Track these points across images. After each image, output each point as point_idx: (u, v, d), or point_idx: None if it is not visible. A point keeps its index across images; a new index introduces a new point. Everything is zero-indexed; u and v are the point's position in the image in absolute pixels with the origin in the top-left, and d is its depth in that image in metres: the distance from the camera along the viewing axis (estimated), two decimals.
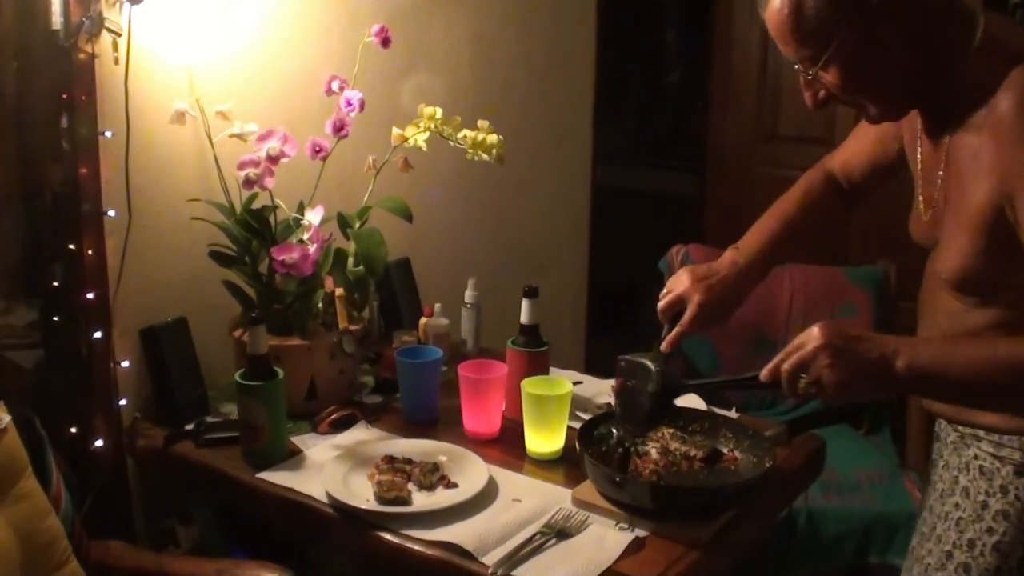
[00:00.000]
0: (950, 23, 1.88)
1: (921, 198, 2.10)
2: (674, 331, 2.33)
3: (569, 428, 2.54)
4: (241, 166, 2.61)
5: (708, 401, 2.74)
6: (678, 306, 2.34)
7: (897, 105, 1.99)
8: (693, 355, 4.00)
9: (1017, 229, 1.80)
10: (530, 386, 2.52)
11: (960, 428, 2.15)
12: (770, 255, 2.41)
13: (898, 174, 2.30)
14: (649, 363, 2.26)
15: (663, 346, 2.32)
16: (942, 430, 2.25)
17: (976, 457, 2.10)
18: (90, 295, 2.62)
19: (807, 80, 1.94)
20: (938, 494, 2.21)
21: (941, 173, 2.01)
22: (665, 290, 2.40)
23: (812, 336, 1.89)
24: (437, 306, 3.16)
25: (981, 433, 2.09)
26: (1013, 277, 1.90)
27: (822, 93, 1.95)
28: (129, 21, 2.60)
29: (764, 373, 1.97)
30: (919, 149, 2.09)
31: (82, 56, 2.53)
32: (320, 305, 2.80)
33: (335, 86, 2.77)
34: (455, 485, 2.35)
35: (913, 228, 2.16)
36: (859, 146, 2.38)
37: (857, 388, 1.87)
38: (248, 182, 2.62)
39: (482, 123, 2.77)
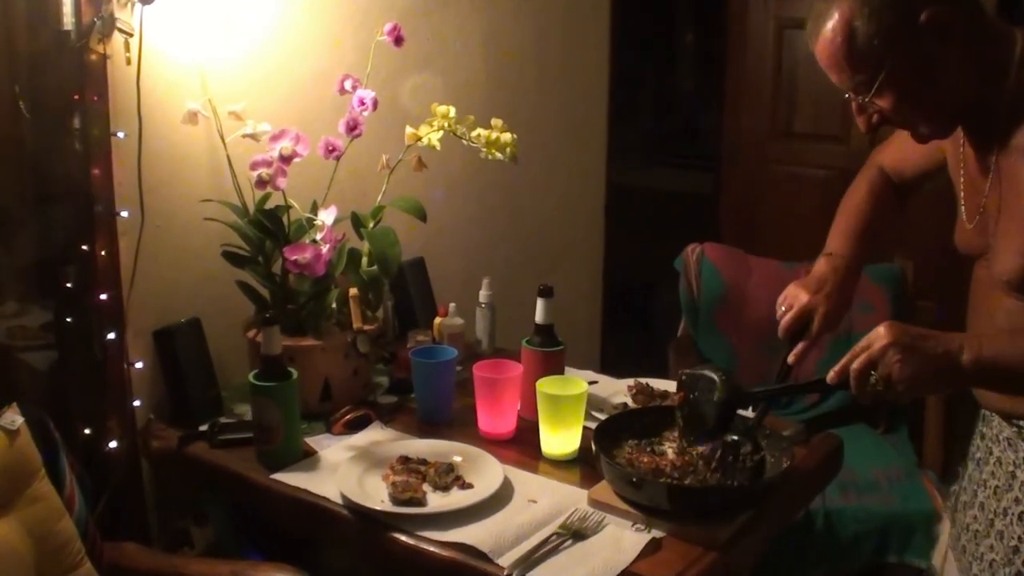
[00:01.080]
0: (991, 40, 1.94)
1: (964, 208, 2.13)
2: (802, 345, 2.39)
3: (585, 428, 2.53)
4: (254, 166, 2.61)
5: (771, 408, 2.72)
6: (804, 320, 2.39)
7: (947, 123, 2.03)
8: (711, 354, 3.98)
9: None
10: (546, 386, 2.51)
11: (1019, 423, 2.13)
12: (861, 251, 2.46)
13: (941, 176, 2.32)
14: (712, 374, 2.24)
15: (790, 359, 2.38)
16: (990, 427, 2.23)
17: (1001, 430, 2.12)
18: (103, 296, 2.62)
19: (859, 105, 1.98)
20: (990, 491, 2.20)
21: (989, 183, 2.04)
22: (783, 307, 2.43)
23: (879, 335, 1.90)
24: (452, 306, 3.15)
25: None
26: None
27: (875, 118, 1.99)
28: (141, 21, 2.59)
29: (831, 375, 1.98)
30: (962, 162, 2.13)
31: (94, 57, 2.52)
32: (334, 305, 2.79)
33: (348, 85, 2.77)
34: (470, 486, 2.34)
35: (958, 238, 2.18)
36: (912, 147, 2.37)
37: (926, 384, 1.90)
38: (261, 182, 2.61)
39: (496, 122, 2.76)
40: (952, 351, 1.85)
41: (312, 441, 2.61)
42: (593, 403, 2.72)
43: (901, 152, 2.46)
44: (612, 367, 3.19)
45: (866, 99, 1.95)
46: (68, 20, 2.49)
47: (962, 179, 2.13)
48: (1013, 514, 2.12)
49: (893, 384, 1.88)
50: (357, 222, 2.84)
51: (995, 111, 1.95)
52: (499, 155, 2.76)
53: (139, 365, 2.72)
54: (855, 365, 1.92)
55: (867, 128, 2.03)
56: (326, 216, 2.63)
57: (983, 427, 2.26)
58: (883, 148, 2.53)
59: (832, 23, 1.90)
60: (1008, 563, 2.12)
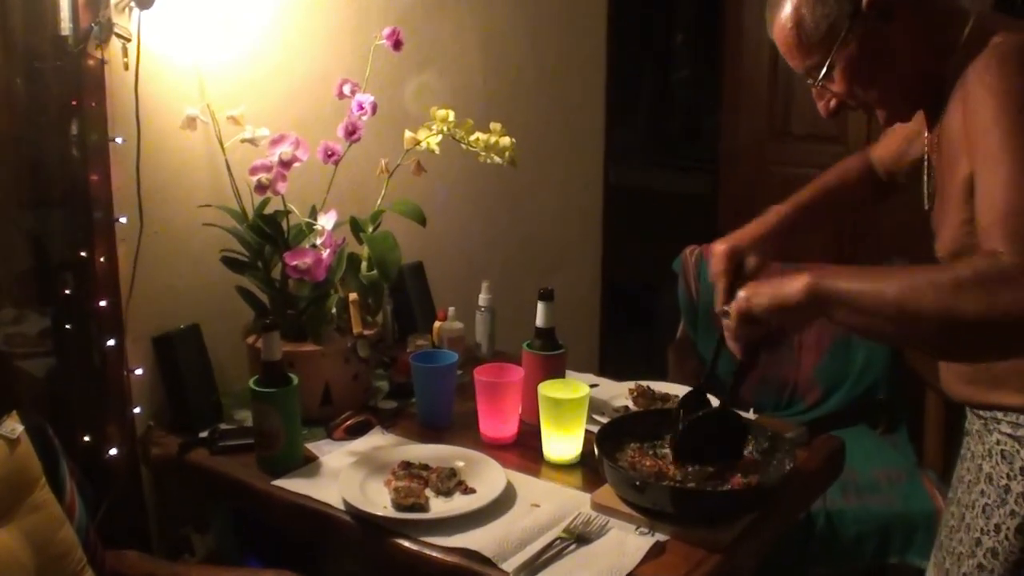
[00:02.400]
0: (941, 20, 1.96)
1: (925, 193, 2.17)
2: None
3: (586, 432, 2.52)
4: (253, 171, 2.60)
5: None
6: (735, 261, 2.40)
7: (902, 105, 2.06)
8: (708, 355, 3.97)
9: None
10: (547, 389, 2.50)
11: (982, 413, 2.15)
12: (796, 214, 2.53)
13: None
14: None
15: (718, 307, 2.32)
16: (969, 422, 2.25)
17: (998, 442, 2.10)
18: (102, 303, 2.61)
19: (818, 90, 2.05)
20: (965, 485, 2.21)
21: (934, 163, 2.09)
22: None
23: None
24: (451, 310, 3.15)
25: (1000, 415, 2.09)
26: None
27: (833, 102, 2.05)
28: (138, 26, 2.58)
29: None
30: (924, 148, 2.16)
31: (91, 62, 2.51)
32: (334, 310, 2.79)
33: (346, 90, 2.76)
34: (473, 491, 2.33)
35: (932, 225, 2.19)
36: (890, 139, 2.44)
37: (764, 301, 1.93)
38: (260, 187, 2.60)
39: (495, 126, 2.76)
40: (797, 274, 1.87)
41: (313, 447, 2.60)
42: (594, 406, 2.72)
43: (884, 140, 2.49)
44: (611, 370, 3.19)
45: (820, 83, 2.00)
46: (66, 25, 2.48)
47: (924, 165, 2.17)
48: (979, 507, 2.14)
49: (737, 301, 1.99)
50: (356, 227, 2.83)
51: (942, 92, 1.98)
52: (498, 159, 2.76)
53: (139, 372, 2.72)
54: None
55: (827, 113, 2.08)
56: (325, 221, 2.63)
57: (967, 424, 2.27)
58: (878, 142, 2.55)
59: (783, 11, 1.97)
60: (971, 555, 2.15)
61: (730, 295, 2.20)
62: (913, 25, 1.93)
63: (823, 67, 1.96)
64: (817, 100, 2.08)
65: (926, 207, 2.15)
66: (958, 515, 2.21)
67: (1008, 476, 2.07)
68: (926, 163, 2.16)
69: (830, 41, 1.93)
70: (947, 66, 1.93)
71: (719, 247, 2.38)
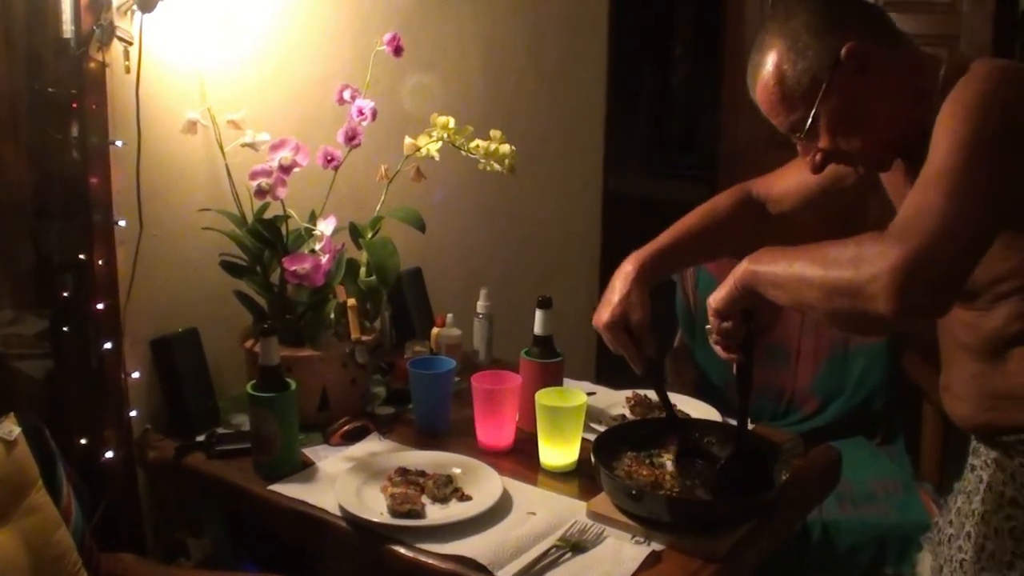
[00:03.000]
0: (915, 69, 2.01)
1: None
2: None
3: (583, 440, 2.52)
4: (253, 176, 2.60)
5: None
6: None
7: (882, 153, 2.08)
8: (707, 365, 3.97)
9: None
10: (544, 397, 2.50)
11: (1004, 439, 2.11)
12: (658, 261, 2.65)
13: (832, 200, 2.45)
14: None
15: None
16: (976, 453, 2.23)
17: (1022, 465, 2.08)
18: (100, 305, 2.61)
19: (803, 146, 2.09)
20: (979, 517, 2.17)
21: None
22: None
23: None
24: (449, 316, 3.15)
25: None
26: (1009, 280, 1.95)
27: (819, 156, 2.07)
28: (140, 29, 2.58)
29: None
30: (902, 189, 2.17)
31: (93, 65, 2.51)
32: (332, 315, 2.79)
33: (347, 95, 2.76)
34: (469, 498, 2.33)
35: None
36: (788, 173, 2.59)
37: (721, 294, 2.05)
38: (260, 192, 2.60)
39: (495, 133, 2.76)
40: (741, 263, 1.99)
41: (310, 452, 2.60)
42: (591, 415, 2.72)
43: (779, 173, 2.64)
44: (608, 378, 3.19)
45: (803, 136, 2.04)
46: (67, 28, 2.48)
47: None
48: (1004, 531, 2.11)
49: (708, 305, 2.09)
50: (355, 232, 2.83)
51: (921, 137, 1.99)
52: (497, 166, 2.76)
53: (136, 375, 2.71)
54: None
55: (814, 168, 2.10)
56: (325, 226, 2.63)
57: (973, 459, 2.25)
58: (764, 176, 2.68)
59: (765, 70, 2.05)
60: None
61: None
62: (889, 72, 1.98)
63: (807, 121, 2.00)
64: (803, 155, 2.11)
65: None
66: (957, 524, 2.21)
67: None
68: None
69: (812, 94, 1.98)
70: (926, 110, 1.95)
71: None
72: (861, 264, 1.70)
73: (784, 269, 1.87)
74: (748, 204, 2.65)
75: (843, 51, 1.94)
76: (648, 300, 2.50)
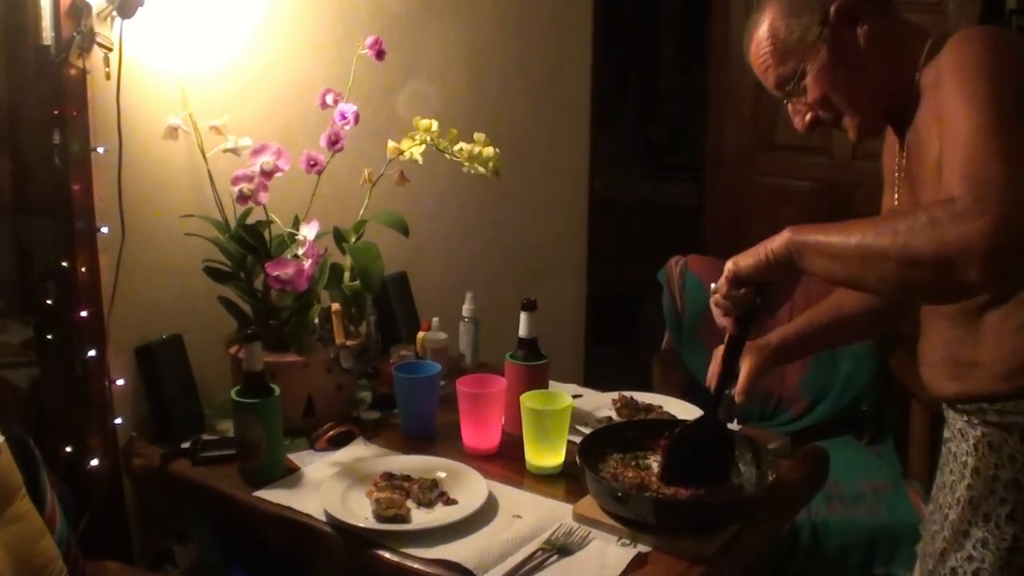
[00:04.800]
0: (904, 35, 2.09)
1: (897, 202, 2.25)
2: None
3: (569, 442, 2.52)
4: (235, 181, 2.59)
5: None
6: None
7: (872, 113, 2.14)
8: (695, 367, 3.97)
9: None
10: (529, 400, 2.50)
11: (966, 408, 2.16)
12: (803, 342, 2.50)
13: None
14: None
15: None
16: (949, 426, 2.27)
17: (984, 435, 2.11)
18: (84, 313, 2.60)
19: (793, 106, 2.17)
20: (948, 488, 2.22)
21: (904, 164, 2.18)
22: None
23: None
24: (435, 320, 3.14)
25: (985, 406, 2.10)
26: None
27: (808, 115, 2.16)
28: (120, 36, 2.57)
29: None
30: (895, 161, 2.24)
31: (73, 71, 2.51)
32: (316, 321, 2.78)
33: (329, 99, 2.76)
34: (454, 502, 2.32)
35: None
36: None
37: (750, 260, 2.01)
38: (242, 197, 2.59)
39: (478, 136, 2.76)
40: (777, 234, 1.98)
41: (295, 457, 2.59)
42: (577, 417, 2.72)
43: None
44: (596, 380, 3.19)
45: (794, 90, 2.12)
46: (48, 35, 2.48)
47: (896, 176, 2.24)
48: (964, 501, 2.15)
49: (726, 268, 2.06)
50: (339, 237, 2.83)
51: (909, 105, 2.08)
52: (481, 169, 2.75)
53: (120, 382, 2.71)
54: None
55: (803, 127, 2.19)
56: (308, 231, 2.62)
57: (945, 432, 2.29)
58: None
59: (760, 28, 2.15)
60: (958, 548, 2.17)
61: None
62: (879, 34, 2.06)
63: (796, 73, 2.10)
64: (793, 116, 2.19)
65: None
66: (939, 518, 2.23)
67: (996, 466, 2.09)
68: (897, 182, 2.23)
69: (803, 48, 2.07)
70: (912, 77, 2.03)
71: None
72: (946, 234, 1.67)
73: (842, 240, 1.83)
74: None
75: (833, 8, 2.04)
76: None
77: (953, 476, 2.21)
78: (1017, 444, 2.06)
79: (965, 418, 2.17)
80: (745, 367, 2.38)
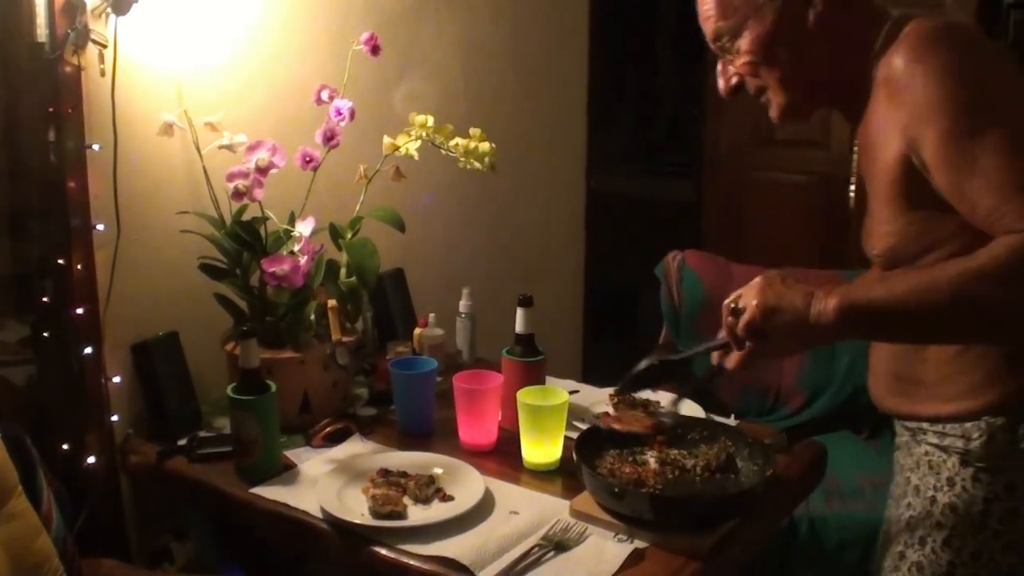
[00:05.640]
0: (862, 17, 1.99)
1: (851, 196, 2.25)
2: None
3: (566, 438, 2.51)
4: (230, 178, 2.59)
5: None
6: None
7: (802, 97, 2.06)
8: (691, 363, 3.96)
9: (927, 173, 1.84)
10: (526, 396, 2.50)
11: (909, 425, 2.13)
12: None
13: None
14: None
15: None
16: (898, 435, 2.24)
17: (926, 453, 2.08)
18: (80, 310, 2.60)
19: (723, 66, 2.07)
20: (894, 500, 2.21)
21: (856, 159, 2.12)
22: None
23: (763, 273, 1.96)
24: (431, 316, 3.14)
25: (926, 425, 2.07)
26: (940, 249, 1.90)
27: (735, 79, 2.06)
28: (115, 32, 2.57)
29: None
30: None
31: (68, 68, 2.50)
32: (312, 317, 2.77)
33: (324, 95, 2.75)
34: (451, 498, 2.32)
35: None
36: None
37: (775, 318, 1.89)
38: (238, 194, 2.59)
39: (474, 131, 2.75)
40: (816, 295, 1.85)
41: (291, 454, 2.59)
42: (575, 413, 2.71)
43: None
44: (593, 376, 3.18)
45: (726, 47, 2.03)
46: (42, 32, 2.47)
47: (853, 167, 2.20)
48: (903, 520, 2.14)
49: (743, 312, 1.92)
50: (335, 233, 2.82)
51: (863, 91, 2.00)
52: (477, 164, 2.75)
53: (117, 380, 2.70)
54: (727, 299, 1.98)
55: (726, 91, 2.09)
56: (304, 227, 2.62)
57: (896, 439, 2.26)
58: None
59: None
60: (894, 569, 2.16)
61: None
62: (834, 16, 1.97)
63: (734, 31, 2.00)
64: (720, 76, 2.09)
65: (851, 207, 2.19)
66: (888, 532, 2.21)
67: (935, 487, 2.05)
68: (855, 165, 2.17)
69: (749, 7, 1.97)
70: (864, 63, 1.97)
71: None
72: None
73: (917, 302, 1.78)
74: None
75: None
76: None
77: (899, 489, 2.19)
78: (956, 467, 2.02)
79: (910, 432, 2.15)
80: None
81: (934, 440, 2.05)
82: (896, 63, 1.86)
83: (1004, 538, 1.99)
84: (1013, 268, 1.69)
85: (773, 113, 2.08)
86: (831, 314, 1.82)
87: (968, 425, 1.98)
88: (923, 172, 1.84)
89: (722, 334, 2.03)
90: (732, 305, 1.97)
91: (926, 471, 2.08)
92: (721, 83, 2.09)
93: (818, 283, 1.91)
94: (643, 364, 2.32)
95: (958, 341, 1.95)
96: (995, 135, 1.75)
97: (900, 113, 1.85)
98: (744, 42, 2.00)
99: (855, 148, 2.14)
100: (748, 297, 1.93)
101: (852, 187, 2.23)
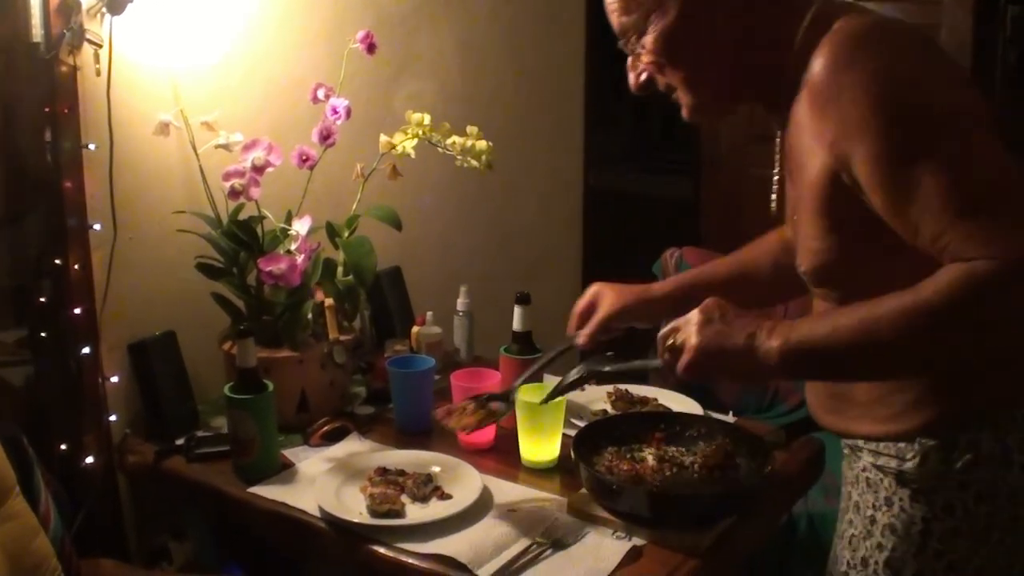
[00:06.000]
0: (778, 8, 1.85)
1: (773, 199, 2.09)
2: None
3: (564, 436, 2.51)
4: (226, 177, 2.59)
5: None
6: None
7: (714, 97, 1.97)
8: None
9: (860, 192, 1.72)
10: (524, 394, 2.49)
11: (847, 441, 2.08)
12: (683, 293, 2.40)
13: None
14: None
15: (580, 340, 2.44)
16: (843, 445, 2.16)
17: (864, 469, 2.02)
18: (77, 310, 2.59)
19: (632, 61, 1.95)
20: (840, 514, 2.16)
21: (781, 161, 2.00)
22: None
23: (701, 305, 1.88)
24: (429, 315, 3.14)
25: (860, 443, 2.01)
26: (868, 267, 1.82)
27: (644, 75, 1.95)
28: (110, 32, 2.57)
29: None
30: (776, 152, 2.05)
31: (64, 68, 2.50)
32: (310, 316, 2.77)
33: (321, 94, 2.75)
34: (449, 496, 2.32)
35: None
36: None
37: (716, 360, 1.83)
38: (234, 193, 2.59)
39: (471, 129, 2.75)
40: (756, 333, 1.78)
41: (289, 453, 2.59)
42: (572, 410, 2.71)
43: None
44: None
45: (630, 45, 1.92)
46: (37, 32, 2.47)
47: (775, 171, 2.08)
48: (846, 537, 2.09)
49: (681, 350, 1.85)
50: (332, 232, 2.82)
51: (785, 88, 1.86)
52: (474, 163, 2.74)
53: (114, 379, 2.70)
54: (665, 328, 1.92)
55: (635, 87, 1.98)
56: (300, 226, 2.61)
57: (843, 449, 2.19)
58: None
59: None
60: None
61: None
62: (745, 12, 1.85)
63: (637, 29, 1.89)
64: (630, 71, 1.98)
65: (772, 211, 2.08)
66: (835, 551, 2.17)
67: (874, 506, 1.99)
68: (776, 166, 2.06)
69: (651, 3, 1.86)
70: (783, 61, 1.83)
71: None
72: (983, 302, 1.60)
73: (850, 343, 1.70)
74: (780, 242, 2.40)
75: None
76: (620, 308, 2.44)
77: (843, 503, 2.15)
78: (893, 486, 1.94)
79: (849, 447, 2.10)
80: (601, 310, 2.45)
81: (869, 459, 1.99)
82: (820, 69, 1.73)
83: (946, 558, 1.91)
84: (957, 303, 1.60)
85: (684, 113, 1.99)
86: (774, 356, 1.76)
87: (902, 445, 1.91)
88: (854, 190, 1.74)
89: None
90: (669, 342, 1.90)
91: (864, 488, 2.02)
92: (631, 78, 1.99)
93: (761, 317, 1.83)
94: (574, 375, 2.32)
95: (906, 376, 1.88)
96: (933, 155, 1.63)
97: (826, 127, 1.73)
98: (648, 41, 1.88)
99: (777, 150, 2.03)
100: (686, 334, 1.86)
101: (774, 192, 2.10)
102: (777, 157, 2.03)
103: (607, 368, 2.29)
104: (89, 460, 2.64)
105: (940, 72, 1.74)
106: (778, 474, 2.38)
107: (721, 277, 2.42)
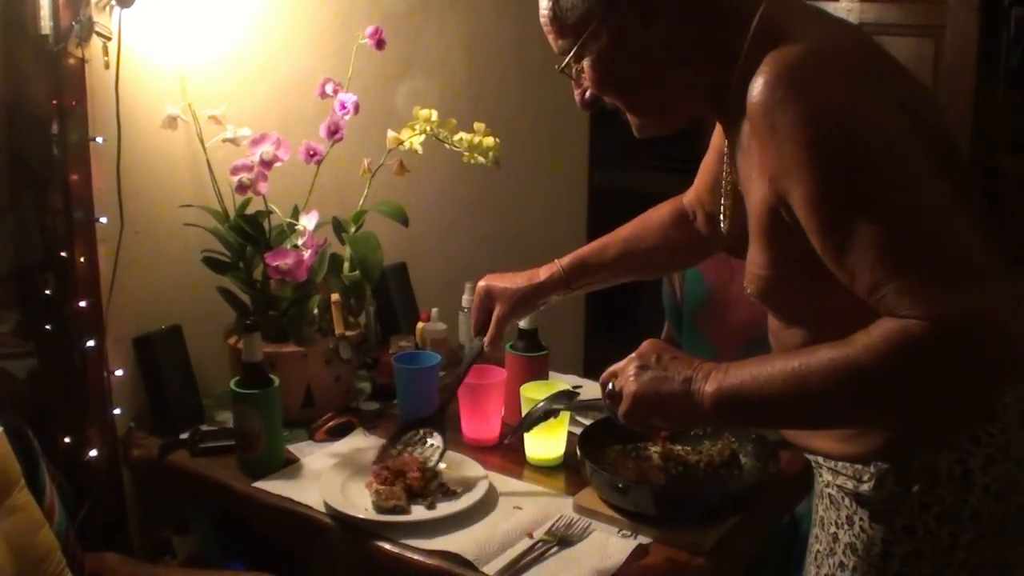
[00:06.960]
0: (718, 24, 1.77)
1: (723, 214, 2.03)
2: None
3: (570, 434, 2.51)
4: (234, 171, 2.59)
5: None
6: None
7: (660, 116, 1.92)
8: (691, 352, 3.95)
9: (802, 232, 1.65)
10: (530, 391, 2.49)
11: (808, 455, 2.04)
12: (571, 276, 2.57)
13: None
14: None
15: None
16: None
17: (827, 485, 1.98)
18: (83, 303, 2.59)
19: (575, 79, 1.90)
20: (810, 526, 2.13)
21: (727, 177, 1.95)
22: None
23: (638, 349, 1.85)
24: (434, 311, 3.13)
25: (820, 459, 1.97)
26: (811, 295, 1.77)
27: (588, 93, 1.90)
28: (119, 25, 2.56)
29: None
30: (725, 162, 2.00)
31: (72, 61, 2.50)
32: (316, 311, 2.77)
33: (329, 89, 2.75)
34: (454, 493, 2.32)
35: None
36: (701, 173, 2.37)
37: (654, 408, 1.80)
38: (242, 187, 2.59)
39: (478, 125, 2.75)
40: (692, 377, 1.75)
41: (294, 448, 2.59)
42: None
43: (698, 177, 2.43)
44: (595, 371, 3.17)
45: (570, 68, 1.85)
46: (46, 24, 2.46)
47: (724, 183, 2.01)
48: (812, 552, 2.07)
49: (619, 398, 1.84)
50: (339, 227, 2.82)
51: (733, 100, 1.75)
52: (481, 159, 2.74)
53: (119, 373, 2.70)
54: (605, 373, 1.91)
55: (581, 104, 1.93)
56: (307, 221, 2.61)
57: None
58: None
59: None
60: None
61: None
62: (681, 32, 1.76)
63: (573, 53, 1.82)
64: (575, 88, 1.92)
65: (723, 228, 2.02)
66: (806, 567, 2.13)
67: (836, 524, 1.95)
68: (724, 180, 2.00)
69: (582, 27, 1.78)
70: (729, 74, 1.74)
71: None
72: (920, 365, 1.53)
73: (781, 395, 1.65)
74: (680, 213, 2.47)
75: None
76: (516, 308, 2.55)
77: (813, 515, 2.11)
78: (853, 506, 1.90)
79: (814, 459, 2.03)
80: (497, 309, 2.49)
81: (828, 476, 1.95)
82: (756, 102, 1.63)
83: None
84: (885, 365, 1.55)
85: (634, 131, 1.95)
86: (707, 402, 1.72)
87: (859, 467, 1.86)
88: (795, 227, 1.66)
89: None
90: (609, 387, 1.88)
91: (828, 503, 1.98)
92: (577, 96, 1.94)
93: (699, 361, 1.80)
94: (540, 410, 2.31)
95: (837, 427, 1.84)
96: (870, 203, 1.57)
97: (765, 157, 1.66)
98: (586, 65, 1.82)
99: (726, 164, 1.96)
100: (623, 381, 1.84)
101: (723, 204, 2.03)
102: (726, 172, 1.97)
103: (570, 407, 2.34)
104: (93, 453, 2.64)
105: (878, 106, 1.64)
106: (782, 473, 2.38)
107: (610, 256, 2.51)
